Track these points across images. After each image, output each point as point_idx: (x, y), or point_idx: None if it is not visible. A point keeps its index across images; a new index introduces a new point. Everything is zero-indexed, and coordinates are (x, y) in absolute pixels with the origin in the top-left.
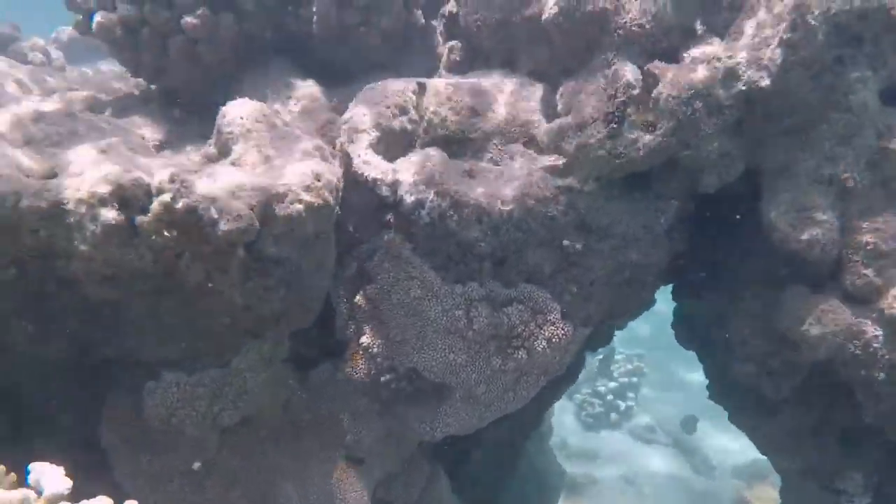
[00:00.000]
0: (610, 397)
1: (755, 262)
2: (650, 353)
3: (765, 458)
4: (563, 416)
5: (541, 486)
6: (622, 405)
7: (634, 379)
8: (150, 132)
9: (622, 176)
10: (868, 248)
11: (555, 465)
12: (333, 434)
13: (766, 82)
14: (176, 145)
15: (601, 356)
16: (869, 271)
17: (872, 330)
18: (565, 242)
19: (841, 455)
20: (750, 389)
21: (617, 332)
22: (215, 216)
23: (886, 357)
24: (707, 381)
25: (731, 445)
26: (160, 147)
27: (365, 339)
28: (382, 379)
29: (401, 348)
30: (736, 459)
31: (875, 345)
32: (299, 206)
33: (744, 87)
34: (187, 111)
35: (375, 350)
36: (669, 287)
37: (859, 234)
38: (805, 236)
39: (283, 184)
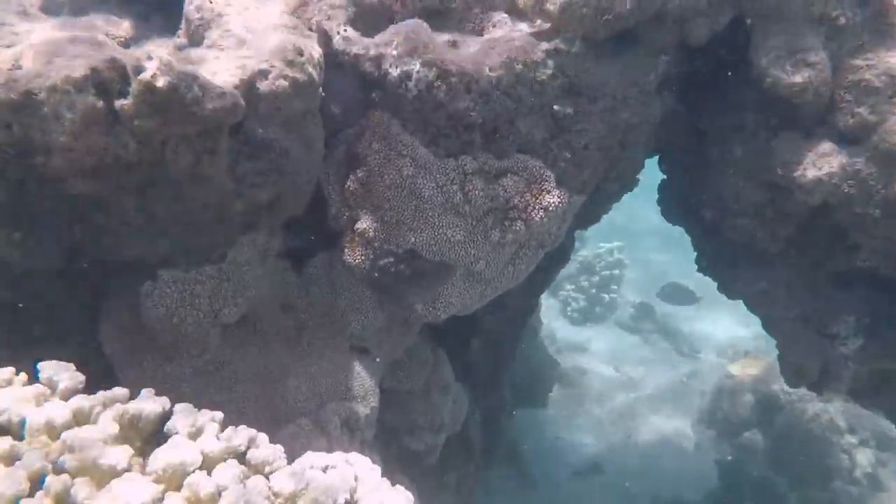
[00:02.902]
0: (594, 291)
1: (746, 114)
2: (629, 244)
3: (743, 336)
4: (550, 314)
5: (534, 377)
6: (606, 297)
7: (616, 271)
8: (112, 29)
9: (609, 34)
10: (861, 85)
11: (547, 357)
12: (336, 326)
13: None
14: (141, 42)
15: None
16: (862, 109)
17: (867, 168)
18: (556, 107)
19: (834, 300)
20: (743, 246)
21: (594, 226)
22: (199, 94)
23: (882, 192)
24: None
25: (710, 329)
26: (125, 44)
27: (360, 225)
28: (381, 263)
29: (397, 230)
30: (717, 340)
31: (870, 182)
32: (284, 83)
33: None
34: (150, 7)
35: (372, 234)
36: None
37: (852, 72)
38: (797, 79)
39: (266, 60)
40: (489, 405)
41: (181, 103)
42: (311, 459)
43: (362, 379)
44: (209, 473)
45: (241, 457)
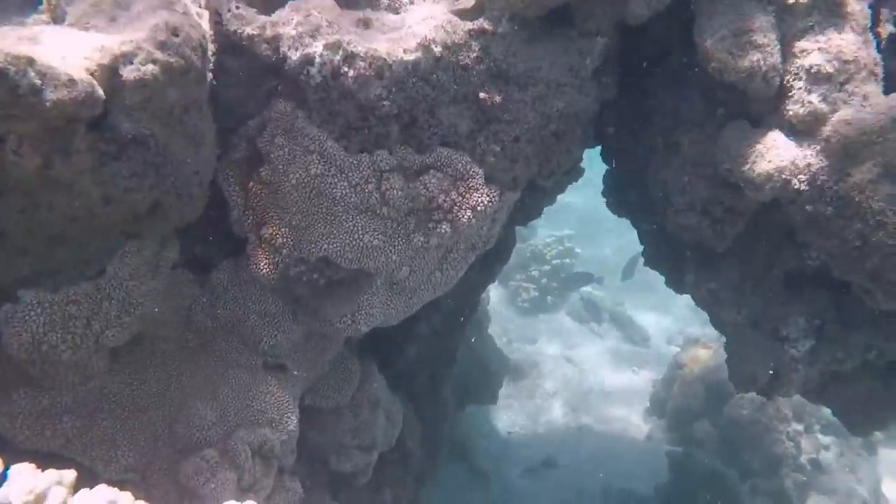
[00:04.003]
0: (544, 281)
1: (692, 101)
2: (579, 232)
3: (693, 323)
4: (500, 305)
5: (483, 373)
6: (557, 287)
7: (567, 260)
8: None
9: (540, 12)
10: (812, 70)
11: (496, 351)
12: (246, 342)
13: None
14: None
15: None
16: (813, 97)
17: (818, 162)
18: (482, 95)
19: (784, 301)
20: (689, 244)
21: (545, 216)
22: (37, 82)
23: (833, 188)
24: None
25: (662, 318)
26: None
27: (266, 230)
28: (291, 273)
29: (307, 235)
30: (669, 329)
31: (822, 177)
32: (153, 68)
33: None
34: None
35: (279, 241)
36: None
37: (801, 57)
38: (744, 63)
39: (131, 41)
40: (429, 414)
41: (13, 93)
42: None
43: (278, 399)
44: None
45: None
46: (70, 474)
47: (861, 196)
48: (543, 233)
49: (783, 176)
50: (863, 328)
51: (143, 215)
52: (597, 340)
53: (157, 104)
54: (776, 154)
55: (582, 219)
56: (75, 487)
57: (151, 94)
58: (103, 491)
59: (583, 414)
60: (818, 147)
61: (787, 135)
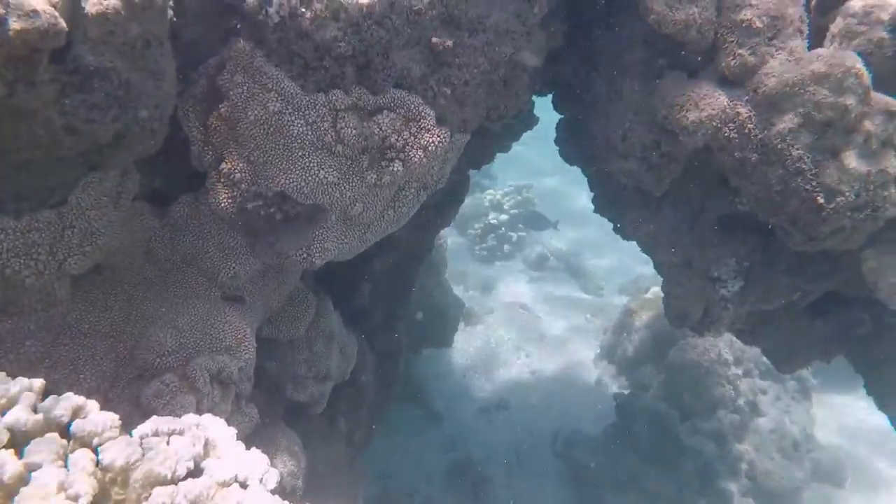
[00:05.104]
0: (502, 230)
1: (634, 51)
2: (538, 183)
3: (645, 273)
4: (458, 253)
5: (439, 317)
6: (514, 236)
7: (525, 210)
8: None
9: None
10: (743, 25)
11: (451, 296)
12: (205, 274)
13: None
14: None
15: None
16: (744, 50)
17: (746, 111)
18: (434, 40)
19: (716, 244)
20: (632, 188)
21: (506, 165)
22: (0, 11)
23: (759, 137)
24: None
25: (615, 267)
26: None
27: (225, 165)
28: (249, 207)
29: (265, 171)
30: (621, 278)
31: (749, 125)
32: (115, 2)
33: None
34: None
35: (238, 176)
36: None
37: (734, 11)
38: (681, 16)
39: None
40: (384, 349)
41: None
42: (156, 425)
43: (235, 328)
44: (18, 452)
45: (64, 429)
46: (39, 381)
47: (783, 144)
48: (502, 183)
49: (714, 124)
50: (788, 271)
51: (106, 147)
52: (552, 288)
53: (120, 38)
54: (708, 103)
55: (540, 170)
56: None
57: (114, 28)
58: (72, 398)
59: (535, 359)
60: (747, 97)
61: (719, 85)
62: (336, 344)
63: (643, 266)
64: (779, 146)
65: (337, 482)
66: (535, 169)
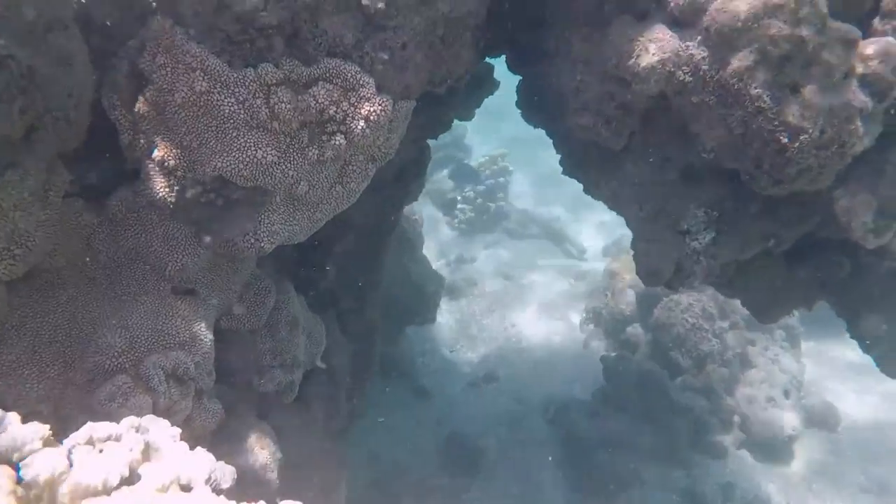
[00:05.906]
0: (480, 201)
1: (581, 1)
2: (514, 151)
3: (627, 234)
4: (438, 227)
5: (419, 294)
6: (492, 206)
7: (501, 179)
8: None
9: None
10: None
11: (430, 272)
12: (152, 268)
13: None
14: None
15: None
16: None
17: (700, 52)
18: (365, 2)
19: (683, 195)
20: (591, 145)
21: (479, 135)
22: None
23: (715, 78)
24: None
25: (595, 230)
26: None
27: (158, 153)
28: (189, 195)
29: (200, 155)
30: (602, 241)
31: (703, 67)
32: None
33: None
34: None
35: (172, 163)
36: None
37: None
38: None
39: None
40: (356, 331)
41: None
42: (91, 431)
43: (189, 322)
44: None
45: None
46: None
47: (740, 84)
48: (478, 153)
49: (667, 68)
50: (760, 217)
51: (20, 141)
52: (535, 254)
53: (16, 24)
54: (660, 46)
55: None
56: None
57: (5, 12)
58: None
59: (522, 328)
60: (699, 37)
61: (670, 27)
62: (301, 329)
63: (625, 227)
64: (736, 86)
65: (317, 471)
66: (521, 140)
